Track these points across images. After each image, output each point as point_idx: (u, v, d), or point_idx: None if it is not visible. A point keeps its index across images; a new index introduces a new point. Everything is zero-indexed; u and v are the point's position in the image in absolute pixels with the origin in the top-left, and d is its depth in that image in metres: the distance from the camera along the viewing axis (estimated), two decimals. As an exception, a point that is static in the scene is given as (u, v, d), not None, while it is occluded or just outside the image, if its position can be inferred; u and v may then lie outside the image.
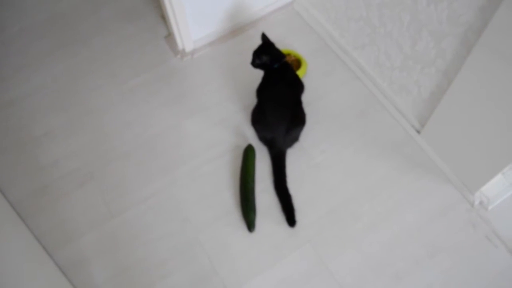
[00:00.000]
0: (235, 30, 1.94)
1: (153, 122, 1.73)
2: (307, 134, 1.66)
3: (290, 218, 1.50)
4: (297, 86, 1.60)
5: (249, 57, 1.59)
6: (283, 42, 1.88)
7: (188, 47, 1.89)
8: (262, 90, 1.60)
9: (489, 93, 1.25)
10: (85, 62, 1.90)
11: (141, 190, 1.58)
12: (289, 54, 1.81)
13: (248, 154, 1.60)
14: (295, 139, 1.62)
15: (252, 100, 1.64)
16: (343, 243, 1.47)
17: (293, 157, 1.62)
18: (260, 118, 1.59)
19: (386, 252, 1.45)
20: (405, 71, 1.56)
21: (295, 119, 1.57)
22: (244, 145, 1.62)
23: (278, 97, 1.54)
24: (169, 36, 1.95)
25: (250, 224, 1.48)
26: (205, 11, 1.81)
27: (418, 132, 1.64)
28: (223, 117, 1.73)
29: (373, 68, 1.74)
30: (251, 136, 1.67)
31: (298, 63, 1.81)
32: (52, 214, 1.55)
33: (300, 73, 1.75)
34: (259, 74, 1.62)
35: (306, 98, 1.66)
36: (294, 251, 1.46)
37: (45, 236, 1.51)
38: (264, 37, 1.60)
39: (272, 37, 1.61)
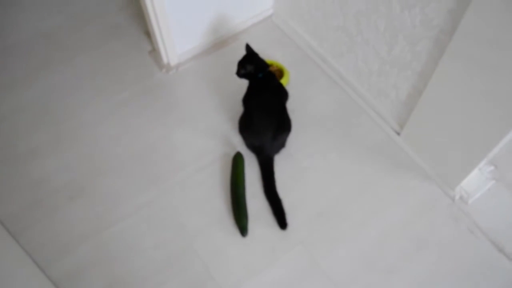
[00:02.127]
0: (218, 43, 2.01)
1: (142, 134, 1.76)
2: (293, 140, 1.72)
3: (281, 221, 1.54)
4: (282, 94, 1.67)
5: (232, 69, 1.65)
6: (265, 54, 1.93)
7: (173, 61, 1.94)
8: (248, 99, 1.65)
9: (461, 92, 1.34)
10: (71, 79, 1.91)
11: (133, 201, 1.60)
12: (271, 65, 1.88)
13: (237, 161, 1.64)
14: (281, 145, 1.68)
15: (238, 110, 1.69)
16: (334, 242, 1.52)
17: (281, 162, 1.67)
18: (247, 126, 1.64)
19: (375, 248, 1.51)
20: (383, 75, 1.65)
21: (281, 126, 1.63)
22: (233, 153, 1.67)
23: (264, 105, 1.60)
24: (153, 51, 1.99)
25: (242, 229, 1.52)
26: (188, 25, 1.87)
27: (398, 133, 1.73)
28: (211, 127, 1.78)
29: (352, 75, 1.82)
30: (238, 144, 1.72)
31: (280, 73, 1.88)
32: (44, 228, 1.55)
33: (283, 81, 1.81)
34: (243, 84, 1.67)
35: (291, 106, 1.72)
36: (287, 252, 1.50)
37: (37, 251, 1.50)
38: (248, 47, 1.66)
39: (254, 49, 1.67)
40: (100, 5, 2.16)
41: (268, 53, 1.95)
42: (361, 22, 1.60)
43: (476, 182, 1.62)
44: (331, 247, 1.51)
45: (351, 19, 1.64)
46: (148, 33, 2.00)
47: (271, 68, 1.81)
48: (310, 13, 1.85)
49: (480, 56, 1.22)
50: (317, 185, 1.64)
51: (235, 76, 1.66)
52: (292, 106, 1.76)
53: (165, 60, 1.93)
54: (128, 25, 2.09)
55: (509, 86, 1.19)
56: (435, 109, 1.48)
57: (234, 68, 1.64)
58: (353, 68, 1.79)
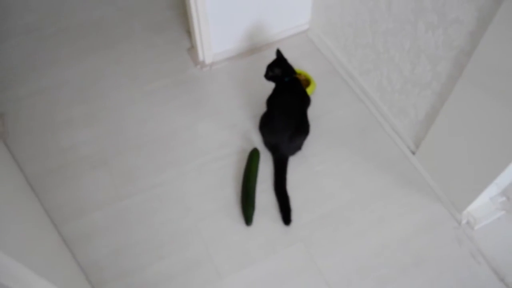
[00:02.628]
0: (253, 49, 2.12)
1: (168, 121, 1.87)
2: (310, 144, 1.78)
3: (286, 217, 1.59)
4: (304, 99, 1.74)
5: (262, 74, 1.74)
6: (295, 64, 2.01)
7: (208, 60, 2.06)
8: (271, 99, 1.74)
9: (474, 115, 1.38)
10: (111, 63, 2.07)
11: (149, 179, 1.69)
12: (300, 74, 1.97)
13: (253, 155, 1.71)
14: (297, 147, 1.74)
15: (261, 110, 1.77)
16: (334, 245, 1.55)
17: (295, 163, 1.73)
18: (267, 123, 1.72)
19: (373, 257, 1.52)
20: (404, 94, 1.70)
21: (299, 128, 1.69)
22: (250, 149, 1.74)
23: (286, 106, 1.68)
24: (192, 49, 2.12)
25: (248, 218, 1.57)
26: (227, 29, 1.99)
27: (413, 153, 1.76)
28: (234, 123, 1.86)
29: (376, 92, 1.88)
30: (257, 142, 1.79)
31: (307, 82, 1.96)
32: (64, 191, 1.66)
33: (308, 91, 1.89)
34: (270, 88, 1.75)
35: (312, 113, 1.79)
36: (286, 247, 1.54)
37: (54, 210, 1.61)
38: (278, 52, 1.76)
39: (285, 56, 1.76)
40: (149, 2, 2.33)
41: (299, 64, 2.05)
42: (388, 41, 1.67)
43: (486, 210, 1.62)
44: (330, 249, 1.54)
45: (379, 37, 1.71)
46: (189, 32, 2.14)
47: (299, 77, 1.90)
48: (343, 30, 1.94)
49: (492, 82, 1.26)
50: (327, 190, 1.68)
51: (263, 80, 1.75)
52: (314, 113, 1.83)
53: (201, 57, 2.06)
54: (172, 22, 2.24)
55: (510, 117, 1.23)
56: (449, 131, 1.52)
57: (264, 72, 1.73)
58: (377, 85, 1.85)
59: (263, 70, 1.74)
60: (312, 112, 1.79)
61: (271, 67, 1.72)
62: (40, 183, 1.68)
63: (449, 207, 1.63)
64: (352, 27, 1.87)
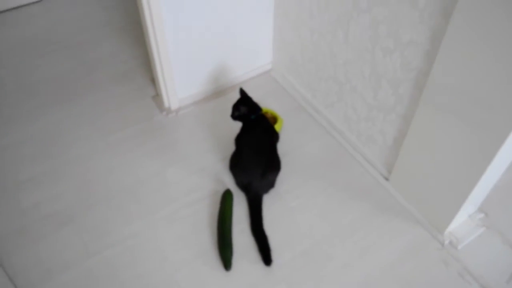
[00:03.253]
0: (218, 92, 2.13)
1: (136, 170, 1.81)
2: (283, 181, 1.75)
3: (266, 257, 1.52)
4: (273, 134, 1.74)
5: (228, 116, 1.74)
6: (261, 103, 2.02)
7: (174, 105, 2.04)
8: (239, 138, 1.72)
9: (439, 134, 1.39)
10: (74, 116, 2.02)
11: (120, 231, 1.61)
12: (266, 112, 1.97)
13: (226, 197, 1.66)
14: (271, 184, 1.71)
15: (230, 151, 1.75)
16: (318, 282, 1.48)
17: (269, 201, 1.69)
18: (237, 163, 1.69)
19: (360, 289, 1.46)
20: (370, 121, 1.72)
21: (270, 165, 1.67)
22: (223, 191, 1.69)
23: (254, 143, 1.66)
24: (157, 96, 2.11)
25: (227, 262, 1.50)
26: (191, 74, 2.00)
27: (386, 179, 1.75)
28: (203, 166, 1.82)
29: (342, 124, 1.89)
30: (229, 183, 1.75)
31: (274, 119, 1.96)
32: (29, 254, 1.54)
33: (276, 127, 1.89)
34: (237, 128, 1.74)
35: (281, 150, 1.78)
36: (269, 289, 1.46)
37: (19, 276, 1.49)
38: (242, 91, 1.76)
39: (251, 96, 1.76)
40: (112, 54, 2.33)
41: (264, 103, 2.06)
42: (349, 71, 1.71)
43: (466, 228, 1.60)
44: (314, 287, 1.47)
45: (340, 68, 1.75)
46: (153, 80, 2.14)
47: (265, 115, 1.90)
48: (304, 66, 1.98)
49: (450, 101, 1.29)
50: (304, 225, 1.63)
51: (230, 121, 1.74)
52: (284, 149, 1.82)
53: (166, 104, 2.04)
54: (136, 72, 2.24)
55: (473, 133, 1.26)
56: (418, 152, 1.52)
57: (230, 113, 1.72)
58: (343, 116, 1.87)
59: (229, 111, 1.73)
60: (281, 149, 1.78)
61: (236, 107, 1.72)
62: (2, 247, 1.56)
63: (430, 229, 1.60)
64: (313, 62, 1.91)
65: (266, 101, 2.07)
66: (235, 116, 1.73)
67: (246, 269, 1.51)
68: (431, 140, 1.44)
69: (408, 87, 1.47)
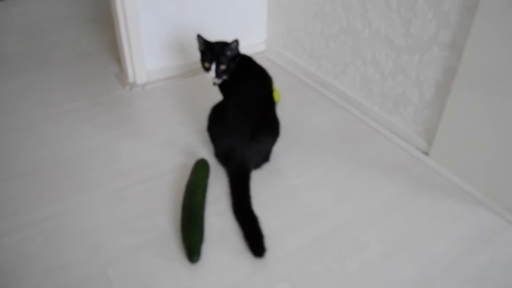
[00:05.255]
0: (195, 69, 1.67)
1: (77, 142, 1.30)
2: (281, 155, 1.25)
3: (257, 244, 0.97)
4: (269, 85, 1.23)
5: (206, 92, 1.30)
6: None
7: (141, 79, 1.60)
8: (225, 86, 1.21)
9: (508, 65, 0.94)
10: (18, 90, 1.56)
11: (36, 211, 1.06)
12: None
13: (199, 165, 1.14)
14: (262, 153, 1.20)
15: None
16: (341, 282, 0.92)
17: (263, 178, 1.17)
18: (218, 117, 1.19)
19: (412, 291, 0.90)
20: (400, 72, 1.27)
21: (263, 124, 1.17)
22: (193, 163, 1.18)
23: (244, 93, 1.17)
24: (121, 72, 1.67)
25: (193, 249, 0.94)
26: (163, 45, 1.60)
27: (426, 153, 1.25)
28: (171, 139, 1.33)
29: (359, 92, 1.44)
30: (205, 156, 1.24)
31: (269, 92, 1.50)
32: None
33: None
34: (213, 101, 1.25)
35: (282, 122, 1.27)
36: (262, 292, 0.89)
37: None
38: (200, 38, 1.20)
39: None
40: (74, 40, 1.93)
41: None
42: (368, 8, 1.29)
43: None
44: (336, 288, 0.90)
45: (355, 11, 1.34)
46: (119, 60, 1.71)
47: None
48: (306, 29, 1.57)
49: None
50: (315, 206, 1.10)
51: (209, 95, 1.28)
52: (283, 123, 1.32)
53: (131, 78, 1.60)
54: (99, 53, 1.83)
55: None
56: (473, 102, 1.05)
57: (208, 91, 1.28)
58: (359, 82, 1.42)
59: (206, 87, 1.27)
60: (282, 121, 1.26)
61: (218, 58, 1.19)
62: None
63: (499, 212, 1.07)
64: (318, 17, 1.50)
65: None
66: (223, 72, 1.19)
67: (224, 263, 0.95)
68: (491, 76, 0.98)
69: (455, 2, 1.05)
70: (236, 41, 1.17)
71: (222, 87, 1.22)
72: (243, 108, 1.15)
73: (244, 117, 1.14)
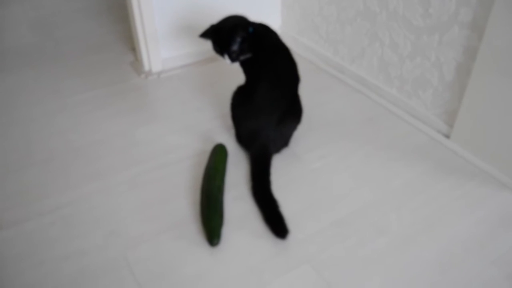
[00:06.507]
0: (211, 57, 1.67)
1: (94, 130, 1.31)
2: (298, 140, 1.23)
3: (279, 227, 0.96)
4: (296, 67, 1.18)
5: (227, 78, 1.27)
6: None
7: (156, 68, 1.59)
8: (252, 64, 1.15)
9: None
10: (31, 81, 1.57)
11: (55, 198, 1.07)
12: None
13: (218, 150, 1.14)
14: (285, 138, 1.19)
15: (226, 109, 1.24)
16: (363, 265, 0.90)
17: (281, 163, 1.16)
18: (244, 99, 1.15)
19: (435, 274, 0.88)
20: (419, 53, 1.24)
21: (291, 110, 1.16)
22: (211, 149, 1.17)
23: (274, 71, 1.12)
24: (136, 61, 1.67)
25: (213, 232, 0.94)
26: (179, 32, 1.59)
27: (447, 136, 1.23)
28: (188, 125, 1.32)
29: (376, 75, 1.41)
30: (225, 141, 1.23)
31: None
32: None
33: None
34: (231, 88, 1.22)
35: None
36: (284, 275, 0.89)
37: None
38: (203, 34, 1.17)
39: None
40: (87, 32, 1.93)
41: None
42: (386, -12, 1.27)
43: None
44: (358, 272, 0.89)
45: (372, -9, 1.32)
46: (134, 49, 1.71)
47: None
48: (322, 14, 1.55)
49: None
50: (335, 189, 1.09)
51: (229, 82, 1.25)
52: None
53: (147, 66, 1.60)
54: (114, 44, 1.83)
55: None
56: (496, 82, 1.02)
57: (225, 77, 1.25)
58: (377, 66, 1.40)
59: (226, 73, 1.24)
60: None
61: (229, 38, 1.11)
62: None
63: (526, 194, 1.05)
64: (334, 3, 1.48)
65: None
66: (237, 55, 1.13)
67: (245, 245, 0.94)
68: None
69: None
70: (239, 26, 1.10)
71: (246, 66, 1.17)
72: (274, 90, 1.11)
73: (275, 101, 1.11)
